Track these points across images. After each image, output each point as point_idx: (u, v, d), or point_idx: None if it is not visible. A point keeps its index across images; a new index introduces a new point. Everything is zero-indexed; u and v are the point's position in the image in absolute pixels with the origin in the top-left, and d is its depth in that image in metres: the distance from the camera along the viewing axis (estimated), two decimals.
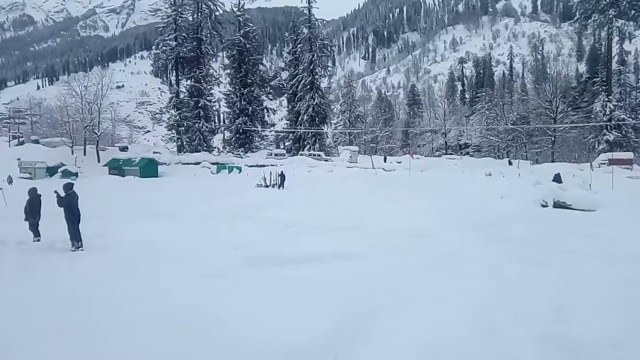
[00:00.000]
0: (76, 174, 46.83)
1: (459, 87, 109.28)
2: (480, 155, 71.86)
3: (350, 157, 59.91)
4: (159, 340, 5.12)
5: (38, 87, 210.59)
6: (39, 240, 11.96)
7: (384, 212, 17.65)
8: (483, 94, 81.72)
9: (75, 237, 11.01)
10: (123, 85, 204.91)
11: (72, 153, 57.53)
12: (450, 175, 41.69)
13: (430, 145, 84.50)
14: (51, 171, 48.62)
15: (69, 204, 11.05)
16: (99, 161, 55.18)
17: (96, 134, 57.66)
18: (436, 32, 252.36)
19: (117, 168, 49.72)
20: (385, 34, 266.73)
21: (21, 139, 76.46)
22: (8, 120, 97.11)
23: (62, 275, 8.57)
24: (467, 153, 75.86)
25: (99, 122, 58.07)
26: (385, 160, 60.59)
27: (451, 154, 73.46)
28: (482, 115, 78.90)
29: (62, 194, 11.26)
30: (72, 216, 11.00)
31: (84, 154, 57.72)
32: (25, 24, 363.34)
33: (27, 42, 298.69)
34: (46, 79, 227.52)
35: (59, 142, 63.31)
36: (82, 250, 10.88)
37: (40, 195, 12.35)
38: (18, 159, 53.73)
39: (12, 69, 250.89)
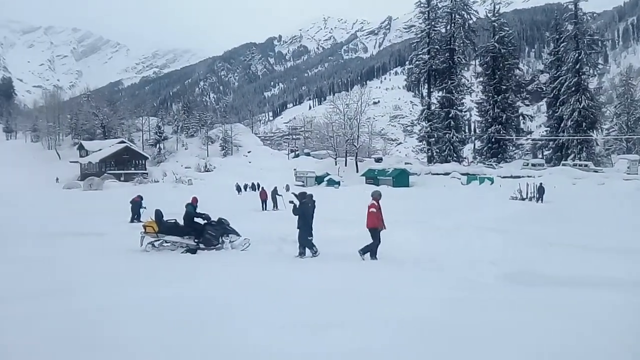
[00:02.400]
0: (338, 183, 52.13)
1: None
2: None
3: (629, 167, 50.90)
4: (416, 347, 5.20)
5: (310, 107, 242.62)
6: (311, 238, 13.74)
7: None
8: None
9: (302, 244, 11.56)
10: (379, 101, 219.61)
11: (336, 164, 64.15)
12: None
13: None
14: (319, 180, 55.26)
15: (303, 212, 11.70)
16: (357, 171, 60.10)
17: (355, 146, 63.03)
18: None
19: (372, 178, 53.34)
20: None
21: (297, 152, 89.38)
22: (287, 137, 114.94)
23: (317, 274, 9.56)
24: None
25: (357, 136, 63.45)
26: None
27: None
28: None
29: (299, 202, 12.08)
30: (305, 224, 11.58)
31: (345, 165, 63.67)
32: (302, 54, 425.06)
33: (302, 69, 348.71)
34: (316, 99, 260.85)
35: (325, 155, 71.59)
36: (317, 256, 11.43)
37: (315, 200, 14.20)
38: (294, 169, 62.98)
39: (291, 93, 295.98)
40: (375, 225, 10.77)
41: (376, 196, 11.25)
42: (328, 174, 56.93)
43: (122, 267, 10.60)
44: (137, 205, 21.24)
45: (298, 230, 11.66)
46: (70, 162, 72.20)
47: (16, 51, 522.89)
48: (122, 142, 74.81)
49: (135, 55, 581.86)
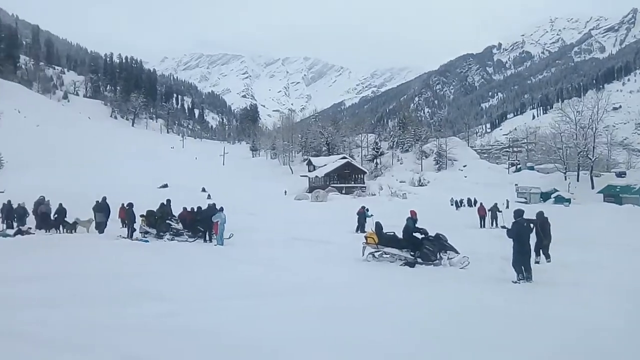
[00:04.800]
0: (569, 200, 46.76)
1: None
2: None
3: None
4: None
5: (533, 117, 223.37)
6: (549, 261, 12.69)
7: None
8: None
9: (518, 269, 10.40)
10: (620, 106, 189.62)
11: (565, 179, 57.75)
12: None
13: None
14: (545, 196, 50.42)
15: (517, 233, 10.48)
16: (592, 187, 53.05)
17: (590, 159, 55.80)
18: None
19: (613, 195, 46.37)
20: None
21: (518, 166, 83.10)
22: (507, 149, 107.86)
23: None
24: None
25: (593, 147, 56.08)
26: None
27: None
28: None
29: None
30: (519, 247, 10.43)
31: (577, 180, 56.85)
32: (524, 60, 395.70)
33: (524, 76, 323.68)
34: (540, 108, 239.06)
35: (552, 169, 64.98)
36: (529, 282, 10.24)
37: (547, 217, 13.18)
38: (515, 185, 58.71)
39: (511, 102, 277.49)
40: None
41: None
42: (556, 190, 51.43)
43: (348, 273, 11.47)
44: (362, 216, 22.60)
45: (513, 254, 10.57)
46: (301, 176, 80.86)
47: (260, 81, 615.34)
48: (344, 157, 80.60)
49: (356, 77, 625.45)
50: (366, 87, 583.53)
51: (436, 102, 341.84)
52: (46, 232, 20.19)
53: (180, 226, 18.65)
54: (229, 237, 17.79)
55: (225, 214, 17.38)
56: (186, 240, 17.91)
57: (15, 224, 22.01)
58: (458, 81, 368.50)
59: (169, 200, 20.01)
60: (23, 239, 17.53)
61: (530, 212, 13.44)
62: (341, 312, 7.10)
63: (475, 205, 38.91)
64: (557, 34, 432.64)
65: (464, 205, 46.02)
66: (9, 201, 24.17)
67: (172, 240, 17.79)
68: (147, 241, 17.29)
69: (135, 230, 18.53)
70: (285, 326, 6.17)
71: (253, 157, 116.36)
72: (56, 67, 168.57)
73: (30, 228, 20.45)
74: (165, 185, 59.42)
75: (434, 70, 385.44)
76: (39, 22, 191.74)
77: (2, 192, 46.34)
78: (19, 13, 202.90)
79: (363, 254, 13.68)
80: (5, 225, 22.54)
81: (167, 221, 18.59)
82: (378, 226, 14.19)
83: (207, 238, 17.62)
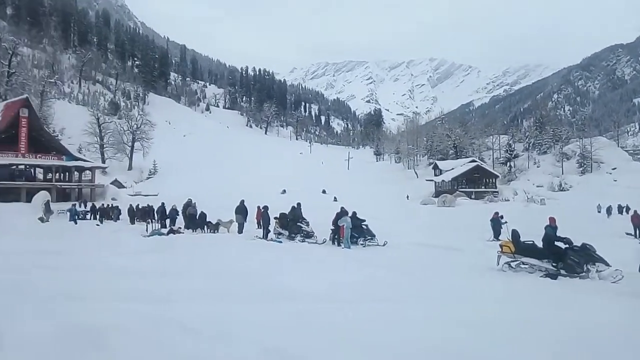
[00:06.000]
0: None
1: None
2: None
3: None
4: None
5: None
6: None
7: None
8: None
9: None
10: None
11: None
12: None
13: None
14: None
15: None
16: None
17: None
18: None
19: None
20: None
21: None
22: None
23: None
24: None
25: None
26: None
27: None
28: None
29: None
30: None
31: None
32: None
33: None
34: None
35: None
36: None
37: None
38: None
39: None
40: None
41: None
42: None
43: (481, 283, 10.94)
44: (496, 223, 21.37)
45: None
46: (426, 180, 79.12)
47: (384, 85, 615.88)
48: (473, 161, 77.12)
49: (486, 75, 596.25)
50: (497, 85, 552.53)
51: (578, 99, 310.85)
52: (193, 231, 22.37)
53: (310, 228, 19.42)
54: (384, 245, 18.13)
55: (350, 218, 17.72)
56: (315, 242, 18.57)
57: (167, 224, 24.80)
58: (604, 75, 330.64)
59: (299, 204, 20.88)
60: (175, 237, 19.67)
61: None
62: (475, 326, 6.75)
63: (627, 213, 34.75)
64: None
65: (613, 212, 41.28)
66: (163, 204, 27.36)
67: (302, 242, 18.56)
68: (280, 242, 18.25)
69: (270, 231, 19.72)
70: (420, 339, 6.05)
71: (377, 161, 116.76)
72: (199, 82, 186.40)
73: (180, 228, 22.89)
74: (284, 191, 61.37)
75: (575, 64, 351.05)
76: (185, 42, 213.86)
77: (156, 195, 52.49)
78: (169, 35, 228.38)
79: (498, 264, 12.94)
80: (159, 225, 25.50)
81: (298, 223, 19.45)
82: (515, 234, 13.33)
83: (336, 241, 18.09)
